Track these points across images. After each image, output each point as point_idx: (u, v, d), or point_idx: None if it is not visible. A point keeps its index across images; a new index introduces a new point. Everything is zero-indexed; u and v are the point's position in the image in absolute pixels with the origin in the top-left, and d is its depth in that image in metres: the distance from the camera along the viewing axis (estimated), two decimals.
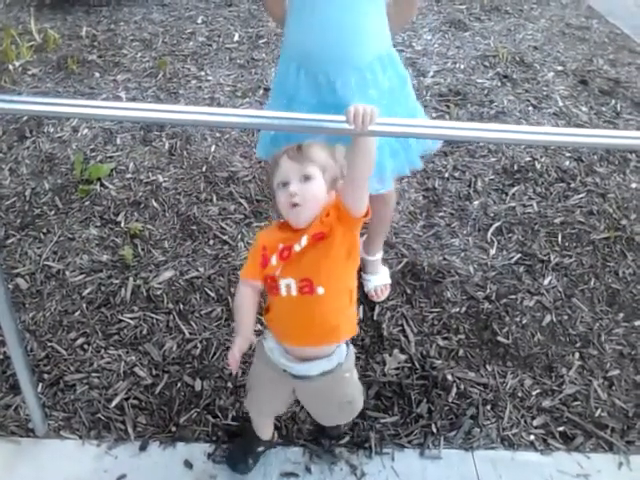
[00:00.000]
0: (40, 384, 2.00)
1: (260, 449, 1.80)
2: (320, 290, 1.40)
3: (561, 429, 1.94)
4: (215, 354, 2.12)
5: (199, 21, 4.47)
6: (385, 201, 2.08)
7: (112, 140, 3.18)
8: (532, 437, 1.92)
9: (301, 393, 1.62)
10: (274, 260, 1.42)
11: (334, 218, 1.38)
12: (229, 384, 2.02)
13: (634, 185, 2.97)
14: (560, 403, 2.02)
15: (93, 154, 3.08)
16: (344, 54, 1.76)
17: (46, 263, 2.45)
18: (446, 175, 2.99)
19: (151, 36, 4.24)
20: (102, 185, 2.86)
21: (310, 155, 1.39)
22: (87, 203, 2.76)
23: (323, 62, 1.77)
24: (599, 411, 1.99)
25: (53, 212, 2.71)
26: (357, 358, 2.09)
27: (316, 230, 1.39)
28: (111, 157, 3.06)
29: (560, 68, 3.98)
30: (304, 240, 1.38)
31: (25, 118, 3.25)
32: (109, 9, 4.61)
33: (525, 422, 1.96)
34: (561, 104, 3.58)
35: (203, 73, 3.80)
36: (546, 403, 2.01)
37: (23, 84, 3.65)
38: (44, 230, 2.61)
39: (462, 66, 3.94)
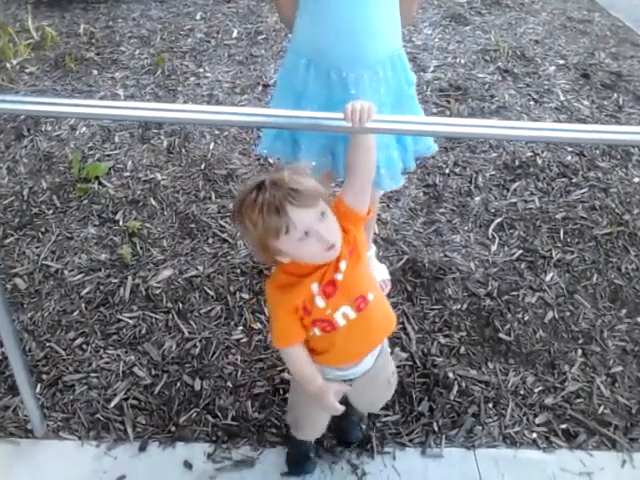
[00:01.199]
0: (39, 385, 1.99)
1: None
2: (370, 296, 1.39)
3: (564, 427, 1.93)
4: (214, 353, 2.10)
5: (198, 17, 4.45)
6: (374, 198, 2.07)
7: (110, 138, 3.17)
8: (534, 435, 1.91)
9: (353, 390, 1.57)
10: (321, 302, 1.34)
11: (351, 229, 1.36)
12: (229, 383, 2.01)
13: (637, 180, 2.95)
14: (563, 400, 2.00)
15: (91, 152, 3.06)
16: (358, 50, 1.74)
17: (44, 262, 2.44)
18: (447, 171, 2.96)
19: (149, 33, 4.21)
20: (100, 184, 2.85)
21: (310, 191, 1.27)
22: (85, 202, 2.75)
23: (336, 58, 1.75)
24: (602, 408, 1.98)
25: (51, 211, 2.70)
26: None
27: (346, 250, 1.35)
28: (109, 155, 3.04)
29: (561, 62, 3.95)
30: (343, 265, 1.34)
31: (23, 117, 3.23)
32: (107, 6, 4.58)
33: (527, 420, 1.94)
34: (562, 98, 3.55)
35: (202, 70, 3.78)
36: (548, 400, 2.00)
37: (20, 82, 3.64)
38: (42, 229, 2.60)
39: (463, 61, 3.91)
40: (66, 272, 2.40)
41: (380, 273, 2.35)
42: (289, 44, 1.92)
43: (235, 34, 4.23)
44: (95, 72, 3.74)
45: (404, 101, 1.87)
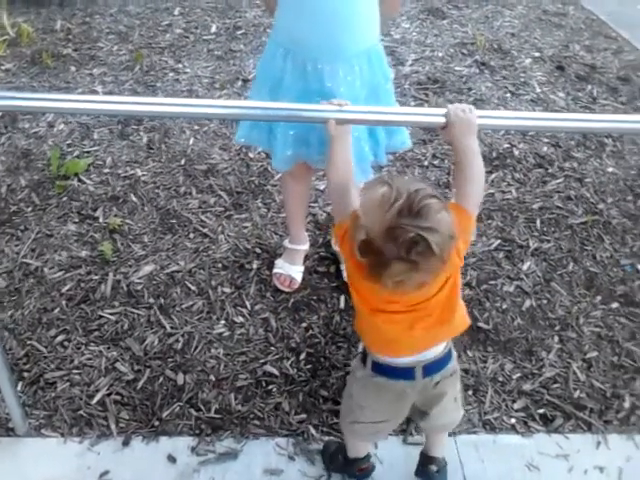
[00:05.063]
0: (20, 383, 1.98)
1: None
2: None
3: (541, 411, 1.97)
4: (197, 348, 2.11)
5: (176, 13, 4.43)
6: None
7: (89, 135, 3.15)
8: (513, 420, 1.95)
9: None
10: None
11: None
12: (211, 377, 2.02)
13: (610, 169, 3.00)
14: (540, 386, 2.04)
15: (70, 149, 3.04)
16: (334, 43, 1.76)
17: (24, 260, 2.42)
18: (425, 163, 2.99)
19: (127, 29, 4.19)
20: (80, 180, 2.84)
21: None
22: (65, 199, 2.73)
23: (312, 49, 1.76)
24: (578, 392, 2.02)
25: (30, 209, 2.68)
26: (338, 348, 2.12)
27: None
28: (88, 152, 3.03)
29: (537, 54, 4.00)
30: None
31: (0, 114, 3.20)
32: (83, 2, 4.53)
33: (506, 406, 1.98)
34: (538, 90, 3.60)
35: (181, 65, 3.77)
36: (526, 386, 2.04)
37: None
38: (21, 227, 2.58)
39: (440, 54, 3.94)
40: (46, 270, 2.39)
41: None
42: (270, 34, 1.93)
43: (214, 29, 4.21)
44: (73, 68, 3.72)
45: (380, 96, 1.90)
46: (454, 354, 1.53)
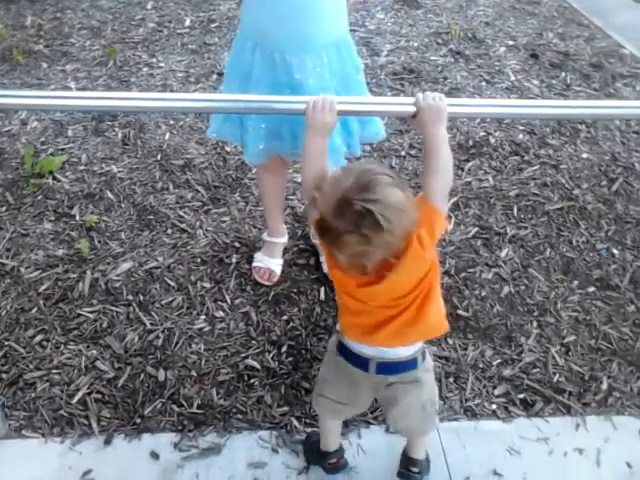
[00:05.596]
0: None
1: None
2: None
3: (521, 396, 1.99)
4: (177, 343, 2.10)
5: (149, 7, 4.38)
6: None
7: (63, 132, 3.11)
8: (494, 406, 1.97)
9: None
10: None
11: None
12: (193, 372, 2.01)
13: (585, 155, 3.04)
14: (520, 371, 2.07)
15: (44, 147, 3.00)
16: (302, 34, 1.75)
17: None
18: (403, 153, 3.00)
19: (100, 24, 4.13)
20: (54, 178, 2.80)
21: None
22: (40, 197, 2.70)
23: (280, 41, 1.76)
24: (557, 376, 2.05)
25: (4, 208, 2.64)
26: (319, 339, 2.12)
27: None
28: (63, 149, 2.99)
29: (511, 43, 4.02)
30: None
31: None
32: None
33: (487, 392, 2.00)
34: (513, 78, 3.63)
35: (155, 60, 3.73)
36: (506, 372, 2.06)
37: None
38: None
39: (415, 44, 3.95)
40: (22, 269, 2.36)
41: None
42: (239, 28, 1.91)
43: (188, 23, 4.17)
44: (45, 65, 3.66)
45: (351, 87, 1.89)
46: (424, 364, 1.51)
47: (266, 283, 2.31)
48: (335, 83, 1.82)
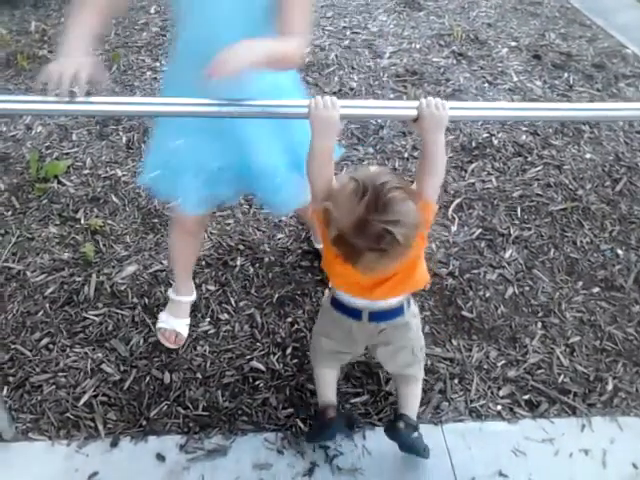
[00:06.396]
0: (5, 387, 1.97)
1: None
2: None
3: (526, 397, 1.99)
4: (183, 346, 2.11)
5: (152, 11, 4.39)
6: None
7: (68, 136, 3.12)
8: (499, 407, 1.97)
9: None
10: None
11: None
12: (198, 375, 2.02)
13: (588, 155, 3.04)
14: (525, 372, 2.07)
15: (49, 151, 3.02)
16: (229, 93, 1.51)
17: (5, 264, 2.40)
18: (405, 155, 3.01)
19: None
20: (59, 182, 2.81)
21: None
22: (45, 201, 2.71)
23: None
24: (562, 377, 2.05)
25: (10, 212, 2.66)
26: None
27: None
28: (67, 154, 3.00)
29: (514, 44, 4.03)
30: None
31: None
32: (58, 2, 4.48)
33: (492, 393, 2.01)
34: (516, 79, 3.63)
35: (158, 64, 3.74)
36: (511, 373, 2.06)
37: None
38: (2, 231, 2.56)
39: (418, 46, 3.96)
40: (28, 273, 2.37)
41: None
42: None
43: None
44: None
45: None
46: (410, 310, 1.71)
47: (172, 346, 2.10)
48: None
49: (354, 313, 1.66)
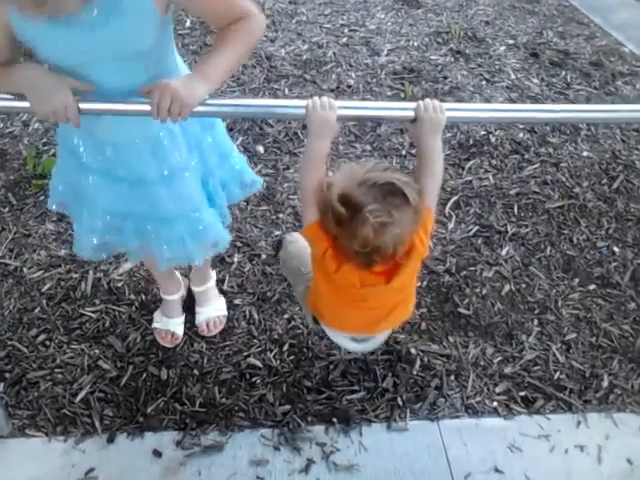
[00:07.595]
0: (2, 383, 1.97)
1: None
2: None
3: (522, 394, 2.00)
4: (180, 342, 2.11)
5: None
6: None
7: None
8: (495, 403, 1.98)
9: None
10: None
11: None
12: (195, 371, 2.02)
13: (585, 154, 3.04)
14: (521, 369, 2.08)
15: (46, 148, 3.01)
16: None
17: (2, 261, 2.40)
18: (403, 152, 3.01)
19: None
20: None
21: None
22: (42, 198, 2.70)
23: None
24: (558, 374, 2.06)
25: (7, 209, 2.65)
26: (321, 338, 2.13)
27: None
28: None
29: (511, 42, 4.03)
30: None
31: None
32: None
33: (488, 389, 2.01)
34: (513, 77, 3.63)
35: None
36: (507, 370, 2.07)
37: None
38: None
39: (415, 43, 3.96)
40: (25, 269, 2.37)
41: (217, 308, 2.19)
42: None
43: (188, 24, 4.18)
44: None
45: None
46: None
47: (169, 345, 2.10)
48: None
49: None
